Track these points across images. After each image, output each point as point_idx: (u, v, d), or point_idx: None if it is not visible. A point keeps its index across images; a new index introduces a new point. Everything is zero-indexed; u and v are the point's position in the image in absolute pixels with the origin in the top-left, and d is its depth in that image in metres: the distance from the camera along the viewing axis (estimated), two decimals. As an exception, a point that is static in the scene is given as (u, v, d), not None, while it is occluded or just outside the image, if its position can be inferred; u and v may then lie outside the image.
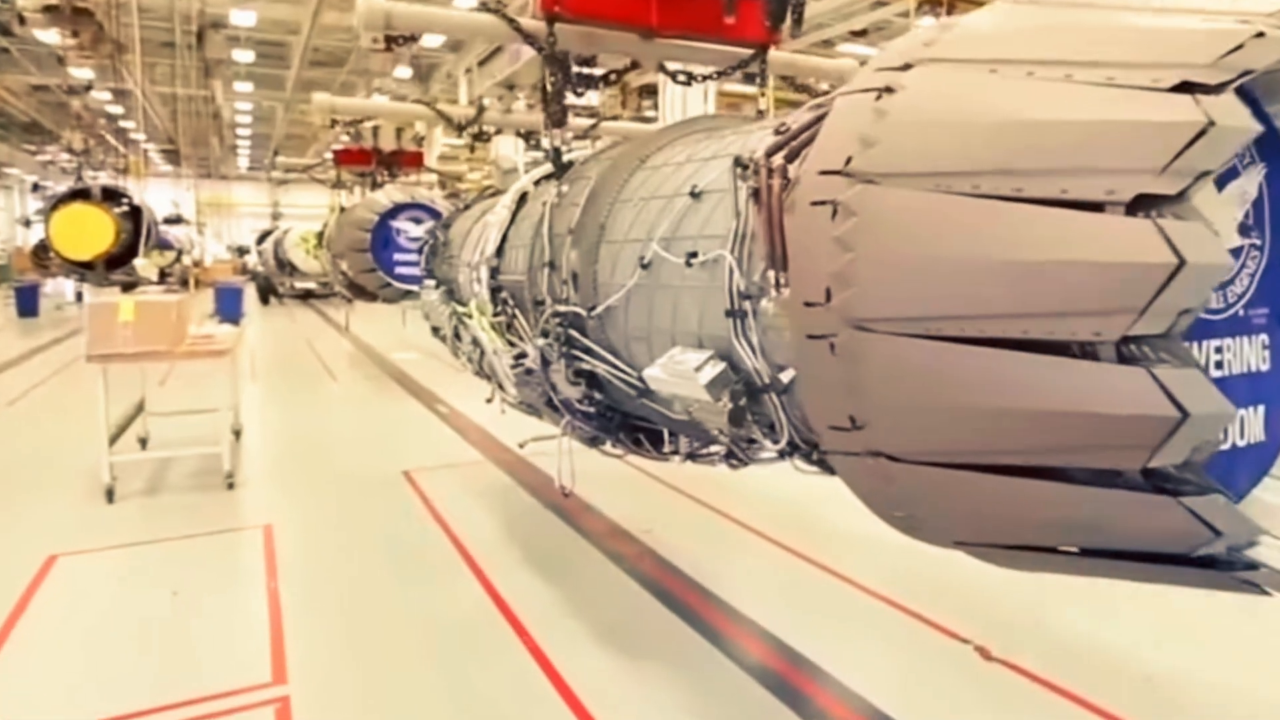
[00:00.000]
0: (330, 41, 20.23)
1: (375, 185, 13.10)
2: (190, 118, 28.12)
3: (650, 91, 27.03)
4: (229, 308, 19.08)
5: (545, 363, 3.71)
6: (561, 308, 3.43)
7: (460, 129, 7.95)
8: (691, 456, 3.80)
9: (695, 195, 2.79)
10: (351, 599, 4.40)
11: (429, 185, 13.48)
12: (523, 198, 4.59)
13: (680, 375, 2.57)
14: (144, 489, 6.22)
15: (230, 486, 6.21)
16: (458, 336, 5.73)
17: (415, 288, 11.31)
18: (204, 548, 5.11)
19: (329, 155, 17.16)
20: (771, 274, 2.20)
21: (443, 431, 8.42)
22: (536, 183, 4.61)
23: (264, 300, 26.63)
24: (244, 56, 22.30)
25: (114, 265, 15.68)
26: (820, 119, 2.10)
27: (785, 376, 2.35)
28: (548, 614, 4.16)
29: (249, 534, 5.32)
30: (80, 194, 15.12)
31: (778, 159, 2.24)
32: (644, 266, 2.91)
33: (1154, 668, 3.64)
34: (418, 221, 10.91)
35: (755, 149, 2.42)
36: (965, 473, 1.67)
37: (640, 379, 3.08)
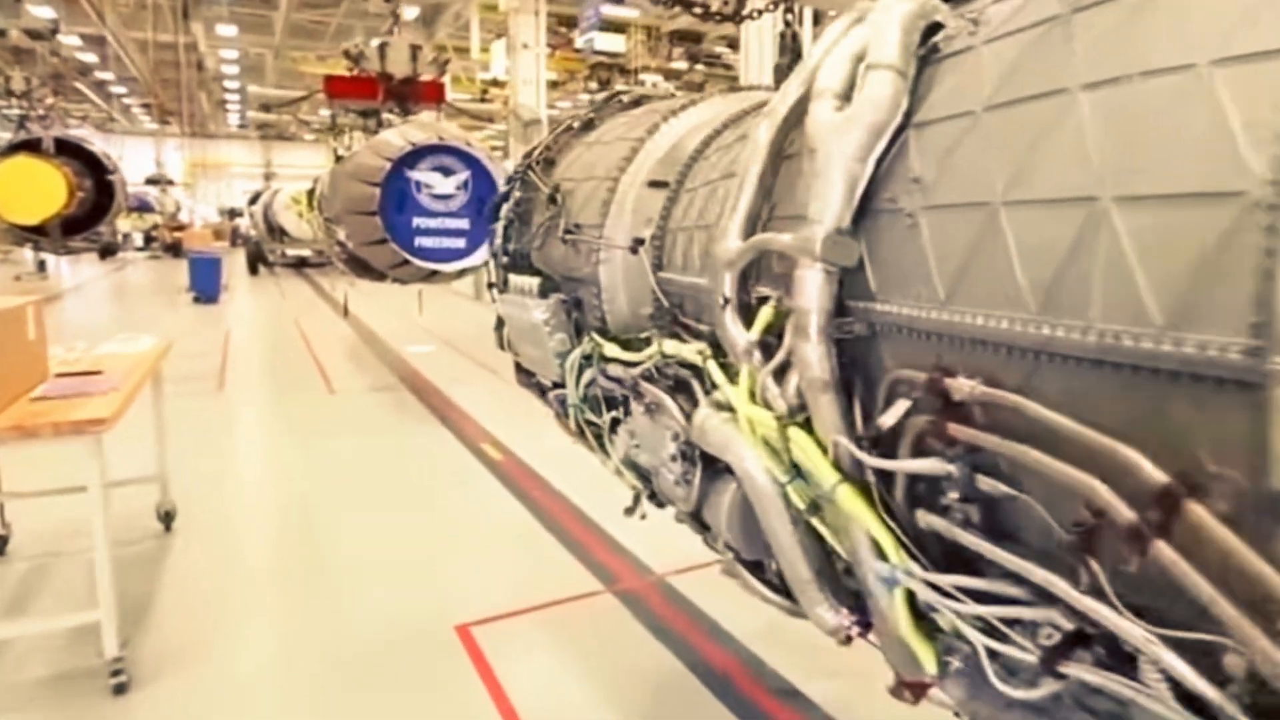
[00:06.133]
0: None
1: (381, 126, 9.79)
2: (171, 67, 24.72)
3: (683, 38, 23.57)
4: (204, 283, 15.89)
5: None
6: None
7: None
8: None
9: None
10: None
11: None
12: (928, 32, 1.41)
13: None
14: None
15: (119, 689, 3.09)
16: (602, 405, 2.57)
17: (447, 267, 8.09)
18: None
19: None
20: None
21: (507, 507, 5.22)
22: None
23: (252, 270, 23.40)
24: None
25: (73, 230, 13.05)
26: None
27: None
28: None
29: None
30: (26, 145, 12.03)
31: None
32: None
33: None
34: (447, 173, 7.62)
35: None
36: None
37: None
